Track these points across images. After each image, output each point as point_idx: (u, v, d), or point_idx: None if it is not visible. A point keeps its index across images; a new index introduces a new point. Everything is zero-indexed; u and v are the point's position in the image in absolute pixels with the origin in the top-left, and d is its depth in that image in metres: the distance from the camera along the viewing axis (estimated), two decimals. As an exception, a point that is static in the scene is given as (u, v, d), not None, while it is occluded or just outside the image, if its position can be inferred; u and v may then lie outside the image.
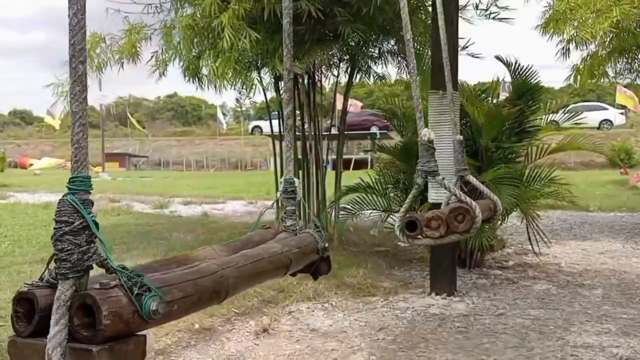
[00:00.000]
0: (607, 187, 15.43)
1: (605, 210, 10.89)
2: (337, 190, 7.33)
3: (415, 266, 6.22)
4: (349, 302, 4.76)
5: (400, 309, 4.62)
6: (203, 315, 4.36)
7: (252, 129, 36.45)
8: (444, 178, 3.28)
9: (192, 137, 49.61)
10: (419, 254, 6.76)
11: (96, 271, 1.44)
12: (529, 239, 6.15)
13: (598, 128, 29.06)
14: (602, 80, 10.90)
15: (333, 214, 7.38)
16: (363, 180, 6.39)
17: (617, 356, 3.52)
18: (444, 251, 5.05)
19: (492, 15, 7.15)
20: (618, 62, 10.01)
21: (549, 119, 6.49)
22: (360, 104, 31.31)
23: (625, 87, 26.10)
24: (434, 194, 4.90)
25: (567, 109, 7.52)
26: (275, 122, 7.98)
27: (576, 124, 6.75)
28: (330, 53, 6.86)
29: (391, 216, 6.03)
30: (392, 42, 7.42)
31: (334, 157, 9.14)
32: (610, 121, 30.78)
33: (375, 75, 8.00)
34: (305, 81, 7.30)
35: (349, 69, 7.70)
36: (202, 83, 7.41)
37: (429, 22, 6.32)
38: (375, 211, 6.40)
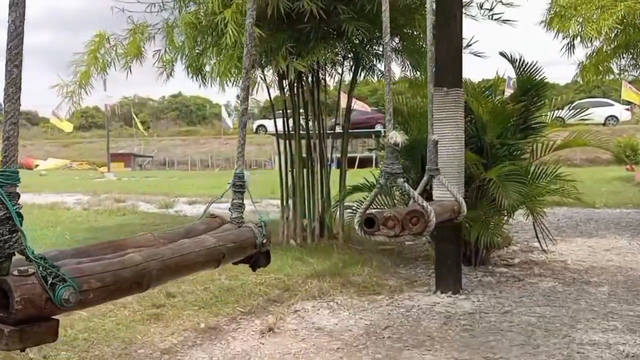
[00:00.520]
0: (613, 183, 15.36)
1: (611, 207, 10.85)
2: (342, 188, 7.33)
3: (420, 264, 6.21)
4: (354, 301, 4.76)
5: (406, 307, 4.61)
6: (208, 314, 4.37)
7: (257, 128, 36.34)
8: (404, 181, 3.50)
9: (197, 136, 49.69)
10: (424, 252, 6.76)
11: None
12: (537, 236, 6.13)
13: (604, 124, 28.91)
14: (607, 77, 10.86)
15: (338, 212, 7.38)
16: (367, 180, 6.38)
17: (624, 353, 3.50)
18: (449, 249, 5.04)
19: (495, 17, 7.13)
20: (623, 58, 9.97)
21: (554, 116, 6.46)
22: (368, 108, 31.02)
23: (630, 83, 26.00)
24: (439, 194, 4.91)
25: (573, 105, 7.48)
26: (279, 121, 7.98)
27: (582, 120, 6.71)
28: (334, 51, 6.84)
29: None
30: (397, 39, 7.40)
31: (339, 155, 9.13)
32: (616, 117, 30.63)
33: (379, 73, 8.00)
34: (310, 79, 7.30)
35: (353, 67, 7.68)
36: (205, 81, 7.42)
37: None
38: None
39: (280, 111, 8.11)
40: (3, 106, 1.52)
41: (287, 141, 7.57)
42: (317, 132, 7.31)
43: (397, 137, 3.27)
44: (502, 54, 6.09)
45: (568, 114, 6.59)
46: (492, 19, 7.16)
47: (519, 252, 6.77)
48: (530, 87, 6.02)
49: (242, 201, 3.02)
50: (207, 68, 7.17)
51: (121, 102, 55.13)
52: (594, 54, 9.85)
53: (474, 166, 5.62)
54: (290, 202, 7.50)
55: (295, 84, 7.25)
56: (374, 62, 7.75)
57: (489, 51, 7.24)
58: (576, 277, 5.54)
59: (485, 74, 7.46)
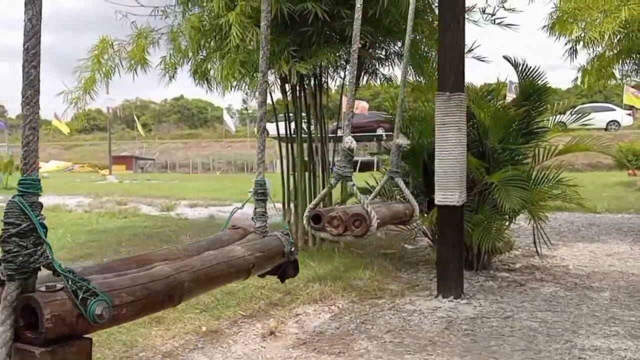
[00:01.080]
0: (615, 188, 15.34)
1: (612, 212, 10.83)
2: (343, 192, 7.32)
3: (422, 268, 6.20)
4: (355, 305, 4.76)
5: (407, 311, 4.60)
6: (210, 317, 4.37)
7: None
8: (354, 185, 3.61)
9: (199, 139, 49.78)
10: (426, 257, 6.75)
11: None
12: (534, 241, 6.14)
13: (605, 129, 28.91)
14: (609, 82, 10.86)
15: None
16: (368, 184, 6.38)
17: (625, 359, 3.49)
18: (451, 253, 5.03)
19: (497, 22, 7.16)
20: (625, 63, 9.98)
21: (556, 120, 6.46)
22: (366, 105, 31.29)
23: (633, 87, 25.98)
24: (441, 197, 4.92)
25: (575, 110, 7.47)
26: (281, 125, 7.98)
27: (583, 125, 6.71)
28: (337, 55, 6.85)
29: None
30: (399, 44, 7.41)
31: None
32: (618, 122, 30.61)
33: (382, 77, 8.01)
34: (312, 83, 7.30)
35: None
36: (210, 85, 7.45)
37: (435, 24, 6.32)
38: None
39: (282, 114, 8.12)
40: (21, 110, 1.43)
41: (289, 144, 7.57)
42: (319, 135, 7.31)
43: (351, 142, 3.37)
44: (506, 58, 6.10)
45: (570, 118, 6.60)
46: (494, 23, 7.18)
47: (520, 257, 6.76)
48: (533, 92, 6.03)
49: (265, 209, 2.95)
50: (212, 72, 7.18)
51: (123, 104, 55.28)
52: (596, 59, 9.87)
53: (476, 171, 5.62)
54: (292, 205, 7.50)
55: (297, 88, 7.26)
56: (377, 66, 7.77)
57: (490, 56, 7.27)
58: (578, 282, 5.53)
59: (486, 79, 7.46)
